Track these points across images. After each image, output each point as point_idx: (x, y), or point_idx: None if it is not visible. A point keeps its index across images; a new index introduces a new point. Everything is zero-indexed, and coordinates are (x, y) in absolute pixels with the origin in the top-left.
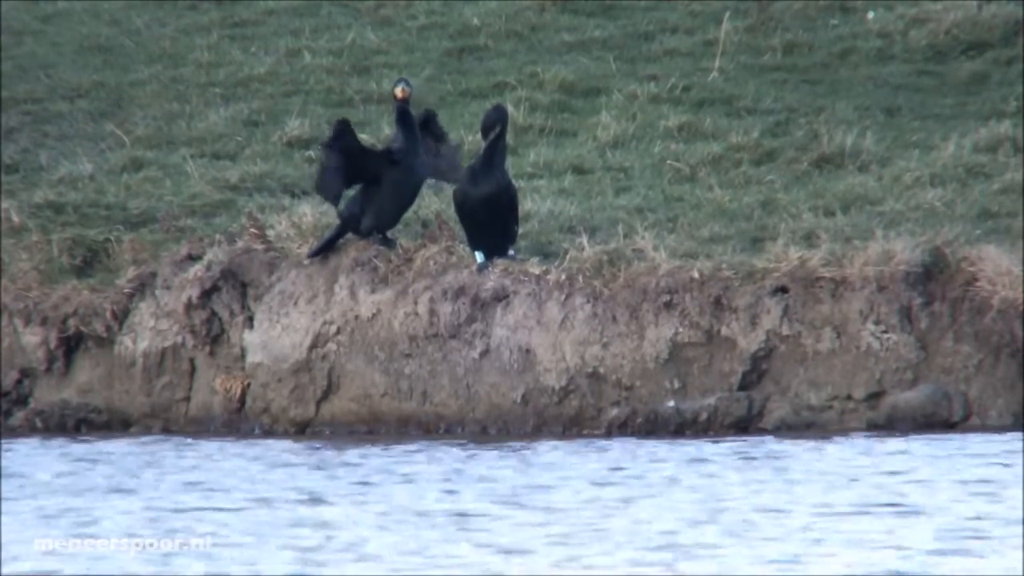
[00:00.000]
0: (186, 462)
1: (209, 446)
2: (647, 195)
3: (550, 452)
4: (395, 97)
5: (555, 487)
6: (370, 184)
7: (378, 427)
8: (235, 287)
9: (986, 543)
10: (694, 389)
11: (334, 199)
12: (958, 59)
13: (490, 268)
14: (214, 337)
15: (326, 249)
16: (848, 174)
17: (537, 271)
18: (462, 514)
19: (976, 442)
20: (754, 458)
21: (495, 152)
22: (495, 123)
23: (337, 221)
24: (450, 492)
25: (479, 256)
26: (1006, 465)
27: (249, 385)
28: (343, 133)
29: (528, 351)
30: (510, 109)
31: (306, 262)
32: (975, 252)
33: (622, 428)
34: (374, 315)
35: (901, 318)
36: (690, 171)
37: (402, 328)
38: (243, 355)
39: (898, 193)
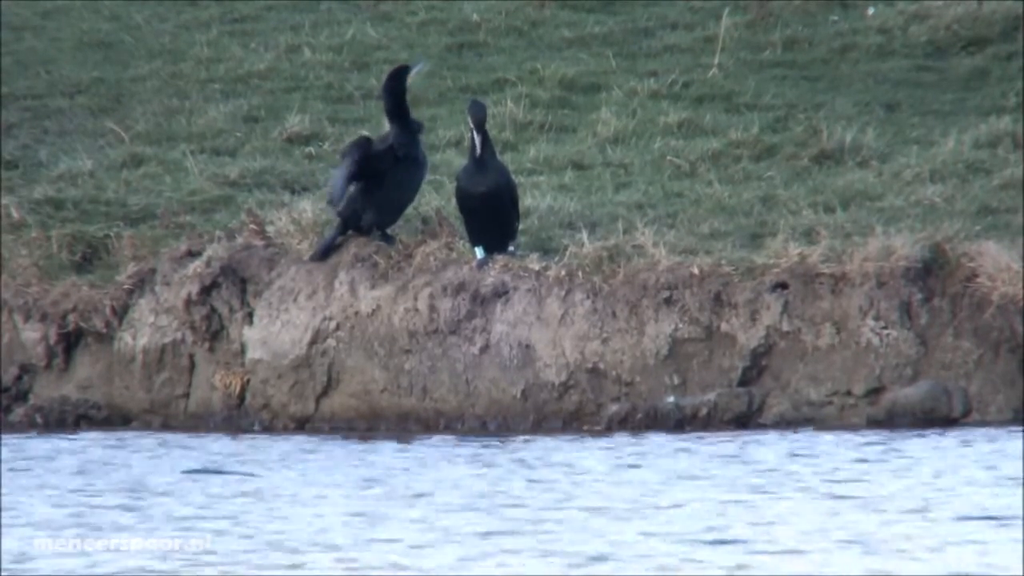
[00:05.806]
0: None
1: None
2: (647, 191)
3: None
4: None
5: None
6: (372, 181)
7: (377, 423)
8: (235, 283)
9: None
10: (694, 385)
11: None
12: (958, 55)
13: (490, 264)
14: (214, 333)
15: (328, 250)
16: (848, 170)
17: (537, 267)
18: None
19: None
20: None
21: (487, 144)
22: (484, 115)
23: (337, 219)
24: None
25: (479, 252)
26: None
27: (249, 381)
28: (363, 156)
29: (528, 347)
30: (509, 105)
31: (307, 260)
32: (975, 248)
33: (622, 424)
34: (374, 311)
35: (901, 314)
36: (690, 167)
37: (402, 324)
38: (243, 351)
39: (898, 189)
